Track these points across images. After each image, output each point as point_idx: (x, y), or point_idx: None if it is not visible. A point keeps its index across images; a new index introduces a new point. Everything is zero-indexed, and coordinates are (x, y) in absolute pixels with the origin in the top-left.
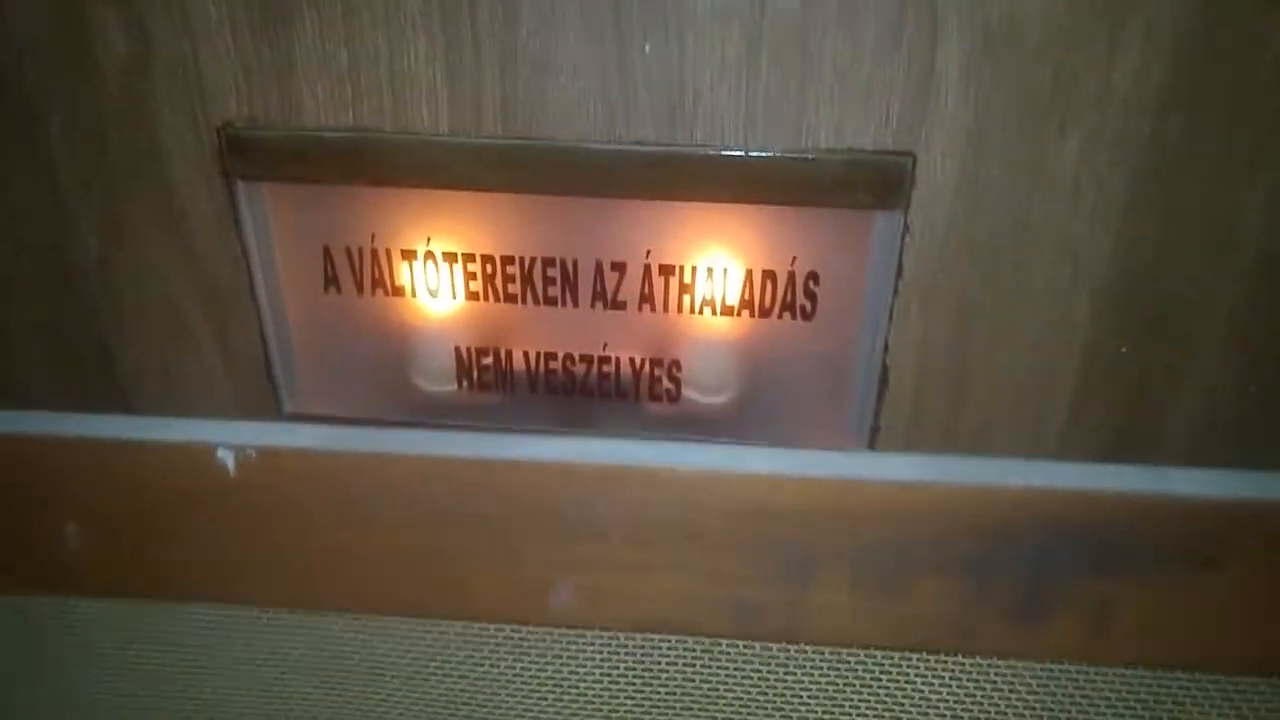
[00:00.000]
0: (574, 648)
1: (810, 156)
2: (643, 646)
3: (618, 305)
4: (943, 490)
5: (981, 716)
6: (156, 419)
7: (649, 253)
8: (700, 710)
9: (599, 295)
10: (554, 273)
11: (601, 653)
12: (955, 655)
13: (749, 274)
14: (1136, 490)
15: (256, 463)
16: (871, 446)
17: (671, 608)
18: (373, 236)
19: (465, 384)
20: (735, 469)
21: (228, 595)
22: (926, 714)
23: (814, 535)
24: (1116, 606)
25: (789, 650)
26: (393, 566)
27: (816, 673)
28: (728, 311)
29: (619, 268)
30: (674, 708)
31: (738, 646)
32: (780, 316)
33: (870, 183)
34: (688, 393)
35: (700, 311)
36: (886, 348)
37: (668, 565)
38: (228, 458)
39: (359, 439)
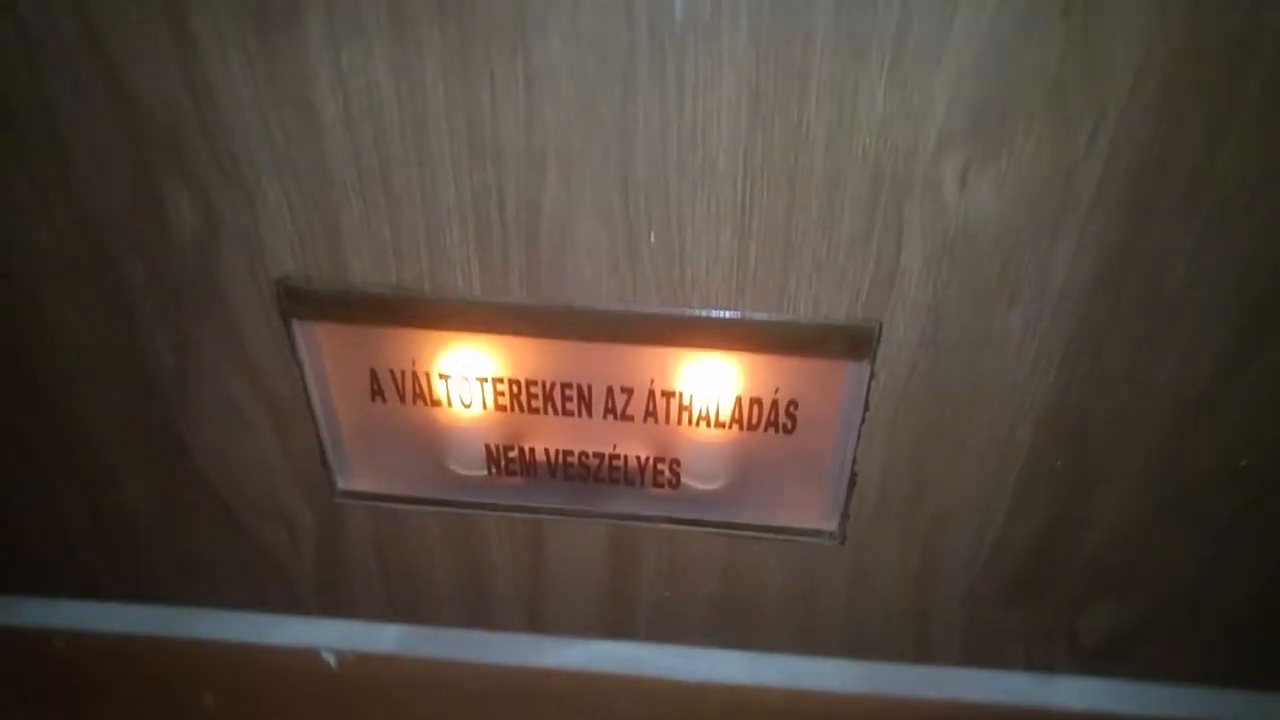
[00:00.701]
0: None
1: (790, 321)
2: None
3: (626, 418)
4: (878, 698)
5: None
6: (273, 620)
7: (653, 381)
8: None
9: (610, 410)
10: (571, 393)
11: None
12: None
13: (738, 399)
14: (1025, 703)
15: (353, 663)
16: (842, 529)
17: None
18: (413, 362)
19: (493, 470)
20: (722, 679)
21: None
22: None
23: None
24: None
25: None
26: None
27: None
28: (720, 425)
29: (627, 391)
30: None
31: None
32: (765, 430)
33: (842, 342)
34: (686, 481)
35: (697, 424)
36: (855, 459)
37: None
38: (331, 658)
39: (434, 645)
